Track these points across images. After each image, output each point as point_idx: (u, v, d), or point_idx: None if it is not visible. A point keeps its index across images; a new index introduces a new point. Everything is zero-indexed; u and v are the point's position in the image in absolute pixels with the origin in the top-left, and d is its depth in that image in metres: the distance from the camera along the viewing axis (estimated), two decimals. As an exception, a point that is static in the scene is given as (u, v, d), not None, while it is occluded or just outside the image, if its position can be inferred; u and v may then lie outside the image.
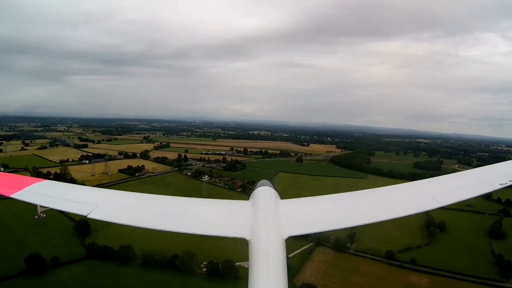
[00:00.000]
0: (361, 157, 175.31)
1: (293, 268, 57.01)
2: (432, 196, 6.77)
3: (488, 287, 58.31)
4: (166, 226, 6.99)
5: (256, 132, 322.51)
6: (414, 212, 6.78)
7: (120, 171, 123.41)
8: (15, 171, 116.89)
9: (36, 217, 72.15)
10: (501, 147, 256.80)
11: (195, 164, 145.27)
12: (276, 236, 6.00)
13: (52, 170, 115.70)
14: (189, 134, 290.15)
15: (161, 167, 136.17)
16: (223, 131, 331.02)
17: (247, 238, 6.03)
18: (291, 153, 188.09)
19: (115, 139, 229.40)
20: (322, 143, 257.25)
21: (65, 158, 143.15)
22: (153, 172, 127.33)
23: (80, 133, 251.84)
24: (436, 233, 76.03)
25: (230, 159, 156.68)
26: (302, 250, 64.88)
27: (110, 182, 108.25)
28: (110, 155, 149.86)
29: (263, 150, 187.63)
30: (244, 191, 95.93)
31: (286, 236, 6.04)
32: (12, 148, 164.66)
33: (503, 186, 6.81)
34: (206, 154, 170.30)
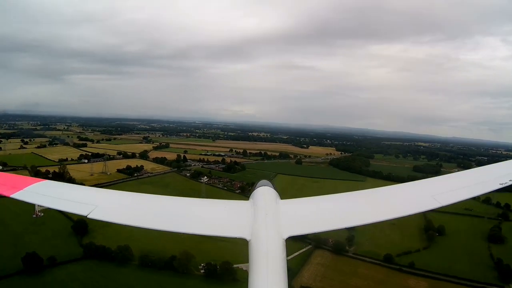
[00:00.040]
0: (360, 160, 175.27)
1: (292, 271, 56.81)
2: (432, 196, 6.75)
3: (487, 291, 58.22)
4: (166, 226, 6.99)
5: (255, 134, 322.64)
6: (414, 212, 6.76)
7: (119, 171, 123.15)
8: (13, 169, 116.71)
9: (34, 216, 71.90)
10: (500, 151, 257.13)
11: (194, 165, 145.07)
12: (276, 236, 5.98)
13: (51, 169, 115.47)
14: (188, 134, 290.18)
15: (160, 168, 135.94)
16: (223, 132, 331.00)
17: (247, 238, 6.00)
18: (290, 155, 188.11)
19: (115, 138, 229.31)
20: (322, 146, 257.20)
21: (64, 157, 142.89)
22: (152, 173, 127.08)
23: (79, 132, 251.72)
24: (435, 236, 75.82)
25: (229, 160, 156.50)
26: (300, 252, 64.61)
27: (109, 182, 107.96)
28: (109, 155, 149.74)
29: (263, 152, 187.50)
30: (243, 193, 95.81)
31: (286, 236, 6.02)
32: (11, 146, 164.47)
33: (503, 185, 6.78)
34: (205, 155, 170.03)
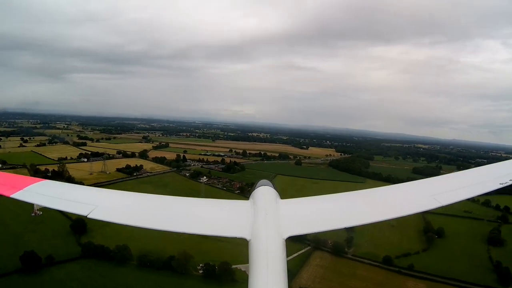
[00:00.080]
0: (360, 161, 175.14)
1: (290, 272, 56.30)
2: (432, 196, 6.74)
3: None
4: (166, 226, 6.99)
5: (255, 134, 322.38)
6: (414, 212, 6.80)
7: (118, 170, 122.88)
8: (13, 167, 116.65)
9: (33, 214, 71.35)
10: (500, 154, 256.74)
11: (193, 165, 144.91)
12: (276, 236, 5.99)
13: (50, 168, 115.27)
14: (188, 134, 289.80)
15: (159, 167, 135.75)
16: (223, 132, 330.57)
17: (247, 238, 5.99)
18: (290, 156, 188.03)
19: (114, 138, 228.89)
20: (321, 147, 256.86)
21: (64, 156, 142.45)
22: (151, 172, 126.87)
23: (79, 131, 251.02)
24: (434, 239, 75.75)
25: (229, 160, 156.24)
26: (299, 254, 64.54)
27: (108, 181, 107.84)
28: (108, 154, 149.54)
29: (262, 152, 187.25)
30: (242, 193, 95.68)
31: (286, 236, 6.07)
32: (11, 144, 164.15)
33: (503, 185, 6.80)
34: (205, 155, 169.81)
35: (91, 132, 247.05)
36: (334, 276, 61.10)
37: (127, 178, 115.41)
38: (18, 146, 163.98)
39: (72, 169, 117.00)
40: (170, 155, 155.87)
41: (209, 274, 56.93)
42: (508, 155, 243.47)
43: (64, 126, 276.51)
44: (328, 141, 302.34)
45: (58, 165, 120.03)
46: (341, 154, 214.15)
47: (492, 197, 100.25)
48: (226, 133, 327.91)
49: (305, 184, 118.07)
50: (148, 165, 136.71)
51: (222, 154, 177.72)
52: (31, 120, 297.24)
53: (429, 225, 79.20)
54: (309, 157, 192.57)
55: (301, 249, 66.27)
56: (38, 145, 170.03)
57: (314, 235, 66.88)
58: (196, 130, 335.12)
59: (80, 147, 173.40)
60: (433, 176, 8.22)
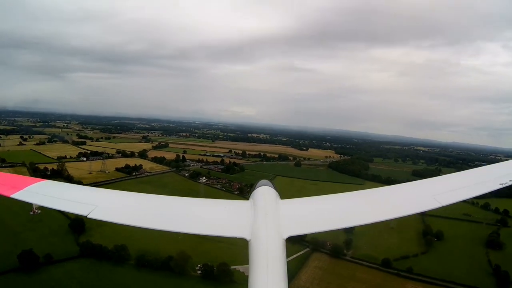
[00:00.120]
0: (359, 163, 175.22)
1: (289, 274, 56.46)
2: (432, 196, 6.72)
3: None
4: (166, 226, 6.97)
5: (255, 135, 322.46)
6: (414, 212, 6.80)
7: (117, 169, 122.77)
8: (12, 166, 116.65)
9: (31, 213, 71.58)
10: (499, 157, 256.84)
11: (193, 165, 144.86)
12: (276, 236, 5.98)
13: (49, 166, 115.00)
14: (188, 134, 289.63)
15: (158, 167, 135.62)
16: (222, 133, 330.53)
17: (247, 238, 5.98)
18: (289, 157, 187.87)
19: (114, 137, 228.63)
20: (321, 148, 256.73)
21: (63, 155, 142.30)
22: (150, 172, 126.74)
23: (79, 130, 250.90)
24: (433, 241, 75.52)
25: (228, 161, 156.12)
26: (298, 255, 64.44)
27: (107, 181, 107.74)
28: (108, 153, 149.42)
29: (262, 153, 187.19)
30: (241, 194, 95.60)
31: (286, 236, 6.02)
32: (10, 142, 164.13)
33: (503, 186, 6.76)
34: (204, 155, 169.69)
35: (91, 131, 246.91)
36: (333, 278, 60.97)
37: (126, 178, 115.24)
38: (18, 145, 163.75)
39: (71, 168, 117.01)
40: (169, 155, 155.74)
41: (208, 275, 56.75)
42: (507, 158, 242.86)
43: (63, 125, 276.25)
44: (327, 143, 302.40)
45: (57, 164, 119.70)
46: (340, 156, 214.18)
47: (491, 200, 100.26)
48: (225, 133, 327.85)
49: (304, 186, 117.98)
50: (147, 165, 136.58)
51: (222, 154, 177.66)
52: (30, 119, 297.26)
53: (428, 228, 79.11)
54: (308, 159, 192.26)
55: (300, 250, 66.21)
56: (37, 144, 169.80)
57: (313, 237, 66.96)
58: (196, 131, 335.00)
59: (80, 146, 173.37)
60: None
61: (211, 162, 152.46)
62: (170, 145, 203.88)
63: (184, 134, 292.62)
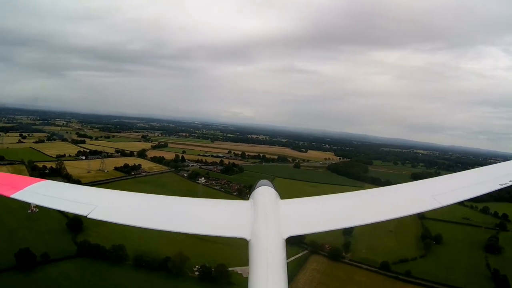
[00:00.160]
0: (358, 165, 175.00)
1: (287, 275, 56.34)
2: (432, 196, 6.67)
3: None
4: (166, 226, 6.96)
5: (254, 136, 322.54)
6: (414, 212, 6.85)
7: (116, 169, 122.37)
8: (11, 163, 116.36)
9: (29, 211, 71.36)
10: (499, 161, 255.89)
11: (192, 166, 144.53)
12: (276, 236, 5.98)
13: (48, 165, 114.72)
14: (187, 135, 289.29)
15: (157, 167, 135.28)
16: (222, 134, 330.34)
17: (247, 238, 5.96)
18: (288, 159, 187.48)
19: (113, 136, 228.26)
20: (320, 150, 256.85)
21: (62, 153, 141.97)
22: (149, 172, 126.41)
23: (78, 128, 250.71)
24: (432, 245, 75.48)
25: (227, 162, 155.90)
26: (296, 257, 64.24)
27: (106, 180, 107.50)
28: (107, 152, 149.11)
29: (261, 155, 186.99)
30: (240, 195, 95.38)
31: (286, 236, 6.01)
32: (9, 140, 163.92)
33: (503, 186, 6.72)
34: (203, 155, 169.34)
35: (90, 130, 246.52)
36: (331, 281, 60.76)
37: (125, 177, 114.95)
38: (17, 142, 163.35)
39: (70, 166, 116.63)
40: (168, 155, 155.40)
41: (205, 276, 56.41)
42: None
43: (63, 123, 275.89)
44: (327, 145, 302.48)
45: (56, 162, 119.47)
46: (340, 158, 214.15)
47: (491, 204, 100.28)
48: (225, 134, 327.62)
49: (303, 188, 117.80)
50: (146, 164, 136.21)
51: (221, 155, 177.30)
52: (30, 116, 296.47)
53: (427, 231, 79.02)
54: (308, 160, 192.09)
55: (298, 252, 66.01)
56: (36, 142, 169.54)
57: (311, 239, 66.84)
58: (196, 131, 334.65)
59: (79, 144, 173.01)
60: None
61: (210, 163, 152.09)
62: (169, 145, 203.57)
63: (184, 134, 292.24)
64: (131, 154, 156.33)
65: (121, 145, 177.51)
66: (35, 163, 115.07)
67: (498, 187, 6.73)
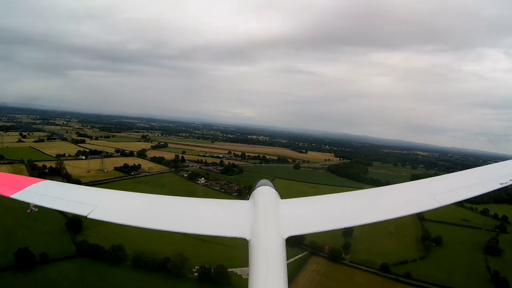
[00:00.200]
0: (358, 167, 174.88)
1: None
2: (432, 196, 6.63)
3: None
4: (166, 226, 6.95)
5: (254, 137, 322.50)
6: (414, 212, 6.85)
7: (116, 168, 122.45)
8: (10, 163, 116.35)
9: (28, 210, 71.24)
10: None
11: (192, 166, 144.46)
12: (276, 236, 5.95)
13: (48, 164, 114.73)
14: (187, 135, 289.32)
15: (157, 167, 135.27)
16: (222, 134, 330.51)
17: (247, 238, 5.94)
18: (288, 160, 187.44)
19: (113, 136, 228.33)
20: (320, 151, 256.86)
21: (62, 153, 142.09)
22: (149, 172, 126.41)
23: (78, 128, 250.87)
24: (432, 246, 75.39)
25: (227, 162, 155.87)
26: (296, 258, 64.10)
27: (106, 180, 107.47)
28: (107, 152, 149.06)
29: (261, 155, 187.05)
30: (240, 196, 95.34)
31: (286, 236, 5.98)
32: (9, 139, 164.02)
33: (503, 186, 6.68)
34: (203, 156, 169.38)
35: (90, 130, 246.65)
36: (331, 283, 60.64)
37: (125, 177, 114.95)
38: (17, 141, 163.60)
39: (70, 166, 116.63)
40: (168, 155, 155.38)
41: (205, 277, 56.29)
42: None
43: (63, 123, 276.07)
44: (327, 146, 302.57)
45: (56, 161, 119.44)
46: (340, 159, 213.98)
47: (491, 206, 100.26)
48: (225, 134, 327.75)
49: (303, 189, 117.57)
50: (146, 164, 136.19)
51: (221, 155, 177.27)
52: (30, 116, 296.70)
53: (427, 233, 78.94)
54: (308, 161, 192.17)
55: (298, 254, 65.87)
56: (36, 141, 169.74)
57: (311, 240, 66.74)
58: (196, 131, 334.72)
59: (79, 144, 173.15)
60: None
61: (210, 163, 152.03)
62: (169, 145, 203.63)
63: (184, 134, 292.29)
64: (131, 154, 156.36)
65: (121, 145, 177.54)
66: (34, 163, 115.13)
67: (498, 186, 6.70)
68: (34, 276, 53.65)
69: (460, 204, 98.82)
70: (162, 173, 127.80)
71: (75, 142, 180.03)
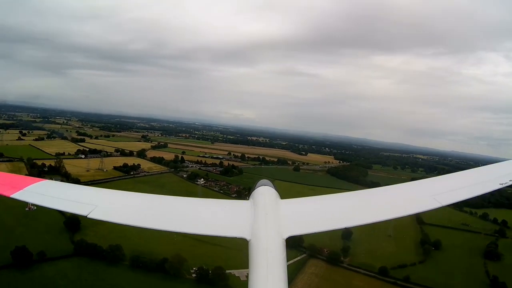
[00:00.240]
0: (358, 169, 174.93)
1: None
2: (432, 196, 6.65)
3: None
4: (166, 226, 6.98)
5: (254, 138, 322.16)
6: (414, 212, 6.93)
7: (115, 168, 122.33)
8: (9, 161, 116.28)
9: (27, 209, 71.04)
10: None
11: (191, 166, 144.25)
12: (276, 236, 5.98)
13: (47, 163, 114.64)
14: (187, 135, 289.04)
15: (157, 167, 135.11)
16: (222, 135, 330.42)
17: (247, 238, 5.95)
18: (288, 161, 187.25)
19: (113, 135, 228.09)
20: (320, 153, 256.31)
21: (61, 151, 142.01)
22: (148, 172, 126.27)
23: (78, 127, 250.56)
24: (431, 251, 75.27)
25: (227, 163, 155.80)
26: (295, 261, 63.88)
27: (105, 179, 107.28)
28: (106, 152, 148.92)
29: (261, 157, 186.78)
30: (239, 197, 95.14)
31: (286, 236, 6.00)
32: (9, 137, 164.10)
33: (503, 186, 6.70)
34: (203, 157, 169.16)
35: (90, 129, 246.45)
36: (329, 286, 60.52)
37: (124, 177, 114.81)
38: (17, 139, 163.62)
39: (69, 165, 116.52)
40: (168, 156, 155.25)
41: (202, 278, 56.11)
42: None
43: (63, 121, 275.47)
44: (327, 148, 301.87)
45: (55, 160, 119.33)
46: (339, 162, 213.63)
47: (490, 210, 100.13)
48: (225, 135, 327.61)
49: (302, 191, 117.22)
50: (145, 164, 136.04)
51: (221, 156, 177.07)
52: (31, 114, 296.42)
53: (426, 237, 78.78)
54: (307, 164, 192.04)
55: (297, 256, 65.66)
56: (36, 139, 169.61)
57: (310, 243, 66.55)
58: (196, 132, 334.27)
59: (79, 143, 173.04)
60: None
61: (209, 164, 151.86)
62: (169, 145, 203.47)
63: (184, 134, 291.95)
64: (130, 153, 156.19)
65: (121, 145, 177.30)
66: (34, 161, 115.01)
67: (498, 186, 6.71)
68: (32, 275, 53.50)
69: (460, 208, 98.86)
70: (161, 173, 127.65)
71: (75, 141, 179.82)
